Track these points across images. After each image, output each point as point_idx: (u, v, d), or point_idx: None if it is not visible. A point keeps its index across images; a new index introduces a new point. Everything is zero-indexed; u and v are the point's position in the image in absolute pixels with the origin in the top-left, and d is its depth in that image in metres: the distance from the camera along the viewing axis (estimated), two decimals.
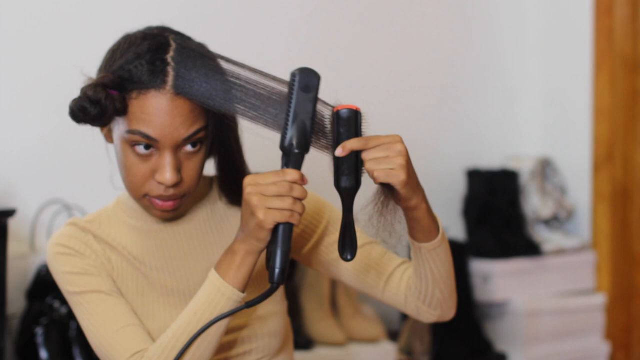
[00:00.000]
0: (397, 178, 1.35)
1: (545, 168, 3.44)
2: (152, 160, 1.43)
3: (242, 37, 2.86)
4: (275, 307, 1.57)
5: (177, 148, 1.43)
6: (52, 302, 2.38)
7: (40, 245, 2.57)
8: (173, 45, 1.42)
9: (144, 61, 1.40)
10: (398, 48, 3.28)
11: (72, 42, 2.61)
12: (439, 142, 3.37)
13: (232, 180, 1.54)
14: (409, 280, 1.57)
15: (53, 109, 2.62)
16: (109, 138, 1.50)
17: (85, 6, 2.65)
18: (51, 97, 2.62)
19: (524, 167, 3.39)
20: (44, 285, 2.41)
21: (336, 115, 1.37)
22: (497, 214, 3.30)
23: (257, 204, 1.32)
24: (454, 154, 3.39)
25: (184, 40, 1.44)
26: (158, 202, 1.46)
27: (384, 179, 1.35)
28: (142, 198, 1.47)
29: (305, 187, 1.36)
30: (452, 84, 3.42)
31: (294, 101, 1.35)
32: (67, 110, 2.77)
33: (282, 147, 1.35)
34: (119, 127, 1.44)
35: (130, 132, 1.42)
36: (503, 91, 3.54)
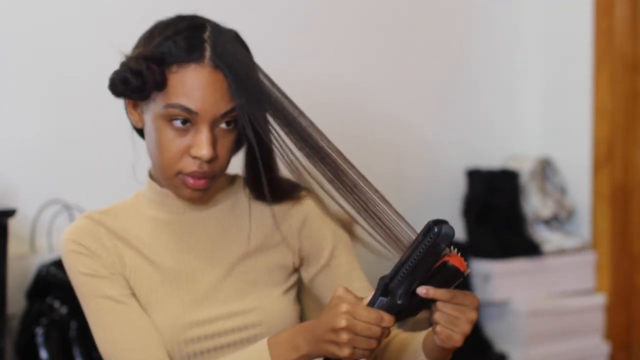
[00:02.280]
0: (453, 343, 1.40)
1: (545, 168, 3.44)
2: (188, 135, 1.45)
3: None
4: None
5: (213, 124, 1.45)
6: (52, 302, 2.38)
7: (40, 245, 2.57)
8: (208, 27, 1.47)
9: (182, 37, 1.45)
10: (397, 48, 3.28)
11: (73, 42, 2.61)
12: (439, 142, 3.37)
13: (257, 171, 1.54)
14: (390, 346, 1.59)
15: (53, 109, 2.62)
16: (139, 122, 1.52)
17: (85, 6, 2.65)
18: (51, 97, 2.62)
19: (524, 167, 3.39)
20: (44, 285, 2.41)
21: (443, 264, 1.34)
22: (497, 214, 3.30)
23: (347, 342, 1.33)
24: (454, 154, 3.38)
25: (216, 24, 1.50)
26: (190, 180, 1.47)
27: (441, 338, 1.39)
28: (175, 177, 1.48)
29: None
30: (452, 84, 3.42)
31: (422, 254, 1.32)
32: (66, 110, 2.77)
33: (387, 286, 1.34)
34: (155, 104, 1.46)
35: (170, 105, 1.44)
36: (503, 91, 3.54)
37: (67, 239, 1.52)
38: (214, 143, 1.46)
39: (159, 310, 1.51)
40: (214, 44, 1.45)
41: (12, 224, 2.35)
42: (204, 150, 1.44)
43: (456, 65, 3.43)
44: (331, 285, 1.61)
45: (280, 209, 1.60)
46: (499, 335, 3.23)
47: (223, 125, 1.46)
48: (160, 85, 1.44)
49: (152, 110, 1.47)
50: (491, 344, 3.17)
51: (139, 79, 1.42)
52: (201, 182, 1.48)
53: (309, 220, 1.60)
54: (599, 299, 3.35)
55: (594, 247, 3.42)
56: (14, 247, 2.44)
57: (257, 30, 2.95)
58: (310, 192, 1.59)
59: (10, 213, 2.27)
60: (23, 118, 2.59)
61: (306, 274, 1.63)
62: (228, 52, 1.44)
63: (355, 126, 3.15)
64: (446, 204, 3.36)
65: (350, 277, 1.62)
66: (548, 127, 3.56)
